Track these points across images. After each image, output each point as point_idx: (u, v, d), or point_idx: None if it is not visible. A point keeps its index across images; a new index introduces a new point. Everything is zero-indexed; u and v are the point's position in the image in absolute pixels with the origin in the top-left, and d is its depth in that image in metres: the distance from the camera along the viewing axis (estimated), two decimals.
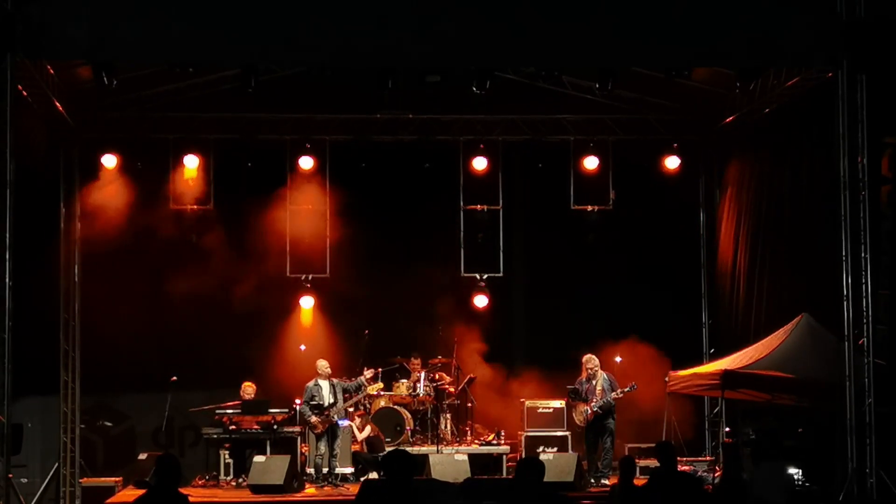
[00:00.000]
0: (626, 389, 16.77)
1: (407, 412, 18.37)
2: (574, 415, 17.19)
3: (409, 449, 17.49)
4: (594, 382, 16.81)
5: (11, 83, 12.96)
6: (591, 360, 16.98)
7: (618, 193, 19.25)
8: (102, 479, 17.55)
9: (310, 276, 19.14)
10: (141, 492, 8.85)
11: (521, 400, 18.49)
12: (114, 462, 18.57)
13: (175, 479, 8.76)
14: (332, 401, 16.81)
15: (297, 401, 17.46)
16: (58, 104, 16.11)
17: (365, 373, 17.19)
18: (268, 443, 17.04)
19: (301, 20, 13.28)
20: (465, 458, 16.45)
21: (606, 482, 16.65)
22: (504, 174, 19.45)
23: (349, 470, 17.16)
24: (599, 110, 18.84)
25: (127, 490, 16.94)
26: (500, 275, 19.59)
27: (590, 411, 16.74)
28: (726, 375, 15.49)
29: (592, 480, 16.65)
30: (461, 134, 19.19)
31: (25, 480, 17.07)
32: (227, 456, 17.34)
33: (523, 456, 16.99)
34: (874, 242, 13.40)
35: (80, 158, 18.43)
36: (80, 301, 18.44)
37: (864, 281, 13.33)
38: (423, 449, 17.71)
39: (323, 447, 16.72)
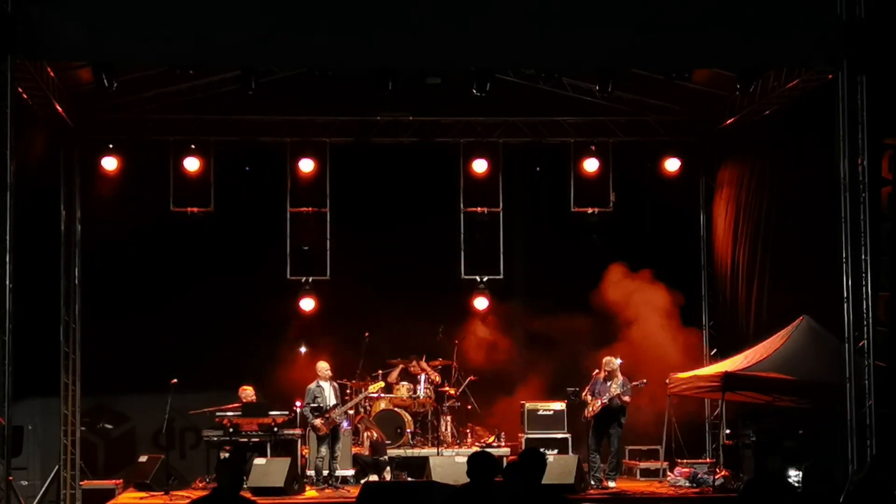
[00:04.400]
0: (636, 384, 16.79)
1: (407, 414, 18.37)
2: (585, 409, 17.15)
3: (409, 451, 17.66)
4: (609, 384, 16.79)
5: (12, 85, 12.96)
6: (610, 362, 16.95)
7: (618, 195, 19.24)
8: (103, 481, 17.56)
9: (310, 279, 19.14)
10: (202, 493, 8.74)
11: (522, 402, 18.49)
12: (114, 464, 18.59)
13: (239, 485, 8.58)
14: (333, 402, 16.81)
15: (298, 403, 17.47)
16: (58, 106, 16.10)
17: (333, 412, 16.99)
18: (268, 445, 17.02)
19: (300, 21, 13.29)
20: (466, 460, 16.42)
21: (612, 484, 16.67)
22: (504, 176, 19.44)
23: (350, 472, 17.16)
24: (599, 112, 18.83)
25: (127, 492, 16.96)
26: (501, 277, 19.57)
27: (599, 403, 16.74)
28: (727, 377, 15.51)
29: (592, 482, 16.65)
30: (461, 136, 19.20)
31: (26, 483, 17.07)
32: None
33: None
34: (874, 244, 13.39)
35: (80, 160, 18.42)
36: (80, 303, 18.42)
37: (864, 283, 13.32)
38: (424, 451, 17.74)
39: (324, 449, 16.72)
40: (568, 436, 17.99)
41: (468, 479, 8.70)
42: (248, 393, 17.52)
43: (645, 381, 16.95)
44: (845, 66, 13.27)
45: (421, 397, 18.54)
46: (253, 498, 9.11)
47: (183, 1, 13.35)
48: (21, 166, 13.42)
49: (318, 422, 16.69)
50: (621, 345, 18.32)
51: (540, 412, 18.27)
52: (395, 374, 18.77)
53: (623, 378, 16.84)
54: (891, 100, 13.49)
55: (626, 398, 16.78)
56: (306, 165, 19.01)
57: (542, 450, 17.16)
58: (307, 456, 17.39)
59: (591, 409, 16.92)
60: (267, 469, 16.20)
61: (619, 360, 17.25)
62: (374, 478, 17.05)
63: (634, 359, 17.94)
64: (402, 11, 13.40)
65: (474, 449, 17.94)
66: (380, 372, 18.54)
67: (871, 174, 13.36)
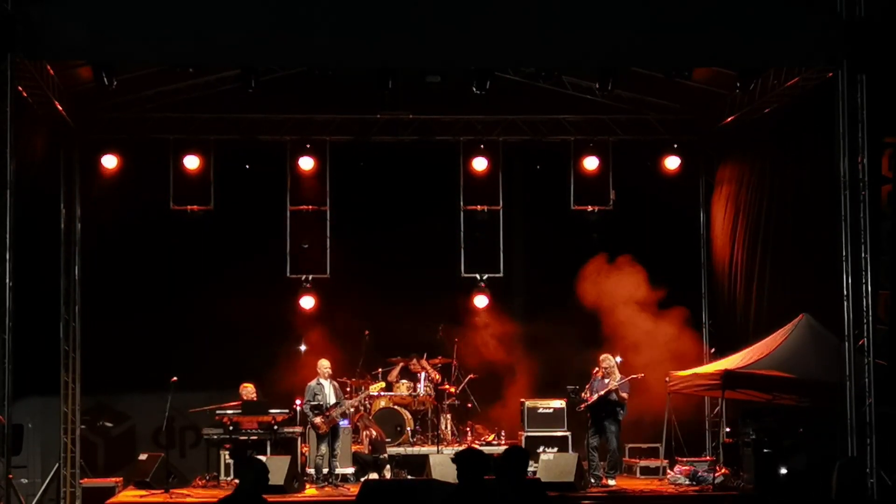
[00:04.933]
0: (634, 377, 16.86)
1: (407, 412, 18.38)
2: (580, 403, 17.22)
3: (409, 450, 17.67)
4: (607, 381, 16.82)
5: (11, 84, 12.95)
6: (606, 360, 17.00)
7: (618, 194, 19.25)
8: (103, 479, 17.57)
9: (310, 277, 19.15)
10: (221, 494, 8.68)
11: (521, 400, 18.50)
12: (114, 462, 18.59)
13: (264, 486, 8.47)
14: (333, 401, 16.83)
15: (298, 401, 17.48)
16: (58, 105, 16.10)
17: (333, 411, 16.98)
18: (268, 443, 17.01)
19: (300, 21, 13.28)
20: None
21: (612, 482, 16.69)
22: (504, 174, 19.45)
23: (349, 470, 17.16)
24: (599, 110, 18.86)
25: (127, 490, 16.97)
26: (500, 275, 19.59)
27: (596, 396, 16.76)
28: (727, 375, 15.51)
29: (592, 480, 16.66)
30: (461, 134, 19.21)
31: (26, 481, 17.12)
32: (227, 456, 17.34)
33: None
34: (874, 242, 13.38)
35: (80, 159, 18.43)
36: (80, 301, 18.43)
37: (864, 281, 13.32)
38: (424, 449, 17.76)
39: (324, 448, 16.73)
40: (568, 433, 18.00)
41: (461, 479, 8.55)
42: (248, 390, 17.51)
43: (642, 374, 16.99)
44: (845, 65, 13.27)
45: (421, 395, 18.55)
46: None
47: (183, 1, 13.35)
48: (21, 165, 13.42)
49: (318, 420, 16.70)
50: (620, 343, 18.32)
51: (540, 410, 18.28)
52: (394, 373, 18.80)
53: (621, 375, 16.87)
54: (891, 98, 13.49)
55: (624, 394, 16.82)
56: (306, 164, 19.03)
57: (540, 448, 17.50)
58: (307, 454, 17.40)
59: (585, 403, 16.95)
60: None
61: (618, 359, 17.29)
62: (373, 476, 17.06)
63: (634, 357, 17.95)
64: (402, 11, 13.38)
65: (475, 447, 17.96)
66: (380, 370, 18.55)
67: (871, 173, 13.35)
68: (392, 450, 17.74)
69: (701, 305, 19.63)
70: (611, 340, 18.41)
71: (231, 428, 17.06)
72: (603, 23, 13.53)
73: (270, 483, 15.42)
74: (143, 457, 17.76)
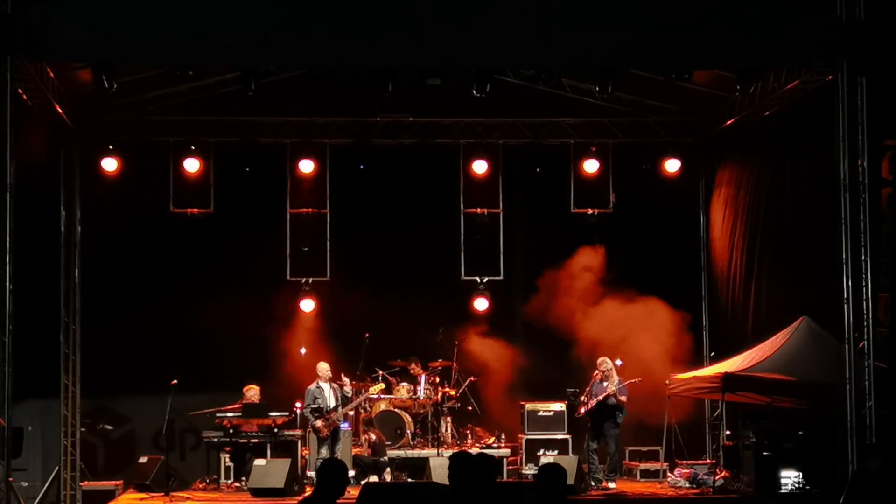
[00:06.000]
0: (631, 381, 16.84)
1: (407, 415, 18.36)
2: (579, 407, 17.23)
3: (409, 452, 17.65)
4: (605, 384, 16.83)
5: (12, 86, 12.96)
6: (604, 363, 17.01)
7: (618, 196, 19.24)
8: (103, 482, 17.57)
9: (310, 280, 19.16)
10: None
11: (522, 403, 18.49)
12: (114, 465, 18.60)
13: (341, 488, 8.03)
14: (333, 404, 16.82)
15: (298, 404, 17.46)
16: (58, 107, 16.11)
17: (333, 414, 17.02)
18: (268, 446, 17.01)
19: (300, 21, 13.29)
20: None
21: (612, 485, 16.68)
22: (504, 177, 19.45)
23: (350, 473, 17.10)
24: (599, 113, 18.85)
25: (127, 493, 16.96)
26: (501, 278, 19.58)
27: (594, 401, 16.77)
28: (727, 378, 15.51)
29: (592, 483, 16.66)
30: (461, 137, 19.21)
31: (26, 484, 17.10)
32: (227, 459, 17.33)
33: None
34: (874, 245, 13.38)
35: (80, 161, 18.43)
36: (80, 304, 18.43)
37: (864, 283, 13.32)
38: (424, 452, 17.74)
39: (324, 450, 16.72)
40: (568, 437, 17.99)
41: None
42: (253, 392, 17.50)
43: (639, 378, 16.99)
44: (845, 66, 13.28)
45: (421, 398, 18.53)
46: (256, 500, 8.91)
47: (183, 1, 13.36)
48: (21, 167, 13.42)
49: (318, 423, 16.70)
50: (621, 346, 18.30)
51: (540, 413, 18.27)
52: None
53: (619, 378, 16.87)
54: (891, 101, 13.48)
55: (623, 397, 16.82)
56: (306, 166, 19.03)
57: (541, 451, 17.49)
58: (307, 457, 17.39)
59: (584, 407, 16.95)
60: (267, 470, 16.19)
61: (619, 362, 17.28)
62: (374, 479, 17.04)
63: (634, 360, 17.94)
64: (402, 11, 13.41)
65: (475, 450, 17.93)
66: (380, 373, 18.53)
67: (870, 175, 13.37)
68: (392, 453, 17.72)
69: (701, 308, 19.62)
70: (611, 344, 18.39)
71: (231, 431, 17.07)
72: (603, 23, 13.56)
73: (271, 486, 15.73)
74: (143, 459, 17.75)
